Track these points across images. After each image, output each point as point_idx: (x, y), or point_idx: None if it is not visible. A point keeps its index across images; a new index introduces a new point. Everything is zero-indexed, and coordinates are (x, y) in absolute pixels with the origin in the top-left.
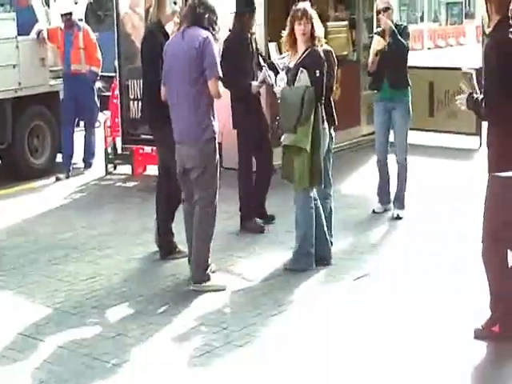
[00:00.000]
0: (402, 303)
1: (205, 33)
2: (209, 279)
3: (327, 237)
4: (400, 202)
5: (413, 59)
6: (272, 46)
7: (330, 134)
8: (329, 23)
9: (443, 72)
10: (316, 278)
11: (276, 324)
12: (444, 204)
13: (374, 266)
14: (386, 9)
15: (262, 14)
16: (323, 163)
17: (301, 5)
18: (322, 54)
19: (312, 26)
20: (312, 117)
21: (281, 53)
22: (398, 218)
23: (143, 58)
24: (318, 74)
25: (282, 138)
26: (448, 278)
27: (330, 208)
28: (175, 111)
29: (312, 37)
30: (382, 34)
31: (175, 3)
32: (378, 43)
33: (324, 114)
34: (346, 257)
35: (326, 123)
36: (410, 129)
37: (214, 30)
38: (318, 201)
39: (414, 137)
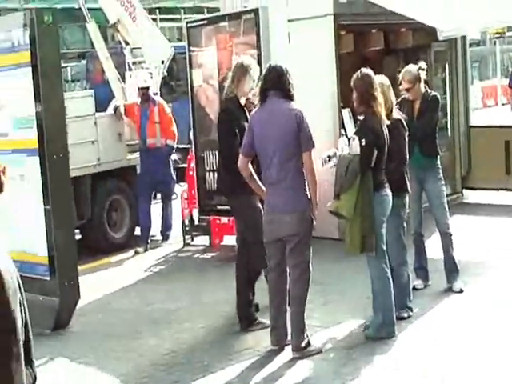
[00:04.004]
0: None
1: (295, 105)
2: (309, 344)
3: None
4: (453, 274)
5: (486, 116)
6: (345, 112)
7: (404, 201)
8: (401, 86)
9: None
10: (398, 345)
11: None
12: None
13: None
14: (408, 89)
15: (334, 81)
16: (377, 230)
17: (361, 71)
18: (373, 123)
19: (361, 94)
20: (357, 185)
21: (354, 119)
22: (461, 291)
23: (220, 132)
24: (363, 143)
25: (329, 204)
26: None
27: (408, 275)
28: (271, 186)
29: (364, 104)
30: (408, 102)
31: (254, 81)
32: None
33: (384, 180)
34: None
35: (387, 190)
36: (487, 189)
37: (293, 98)
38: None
39: (491, 197)
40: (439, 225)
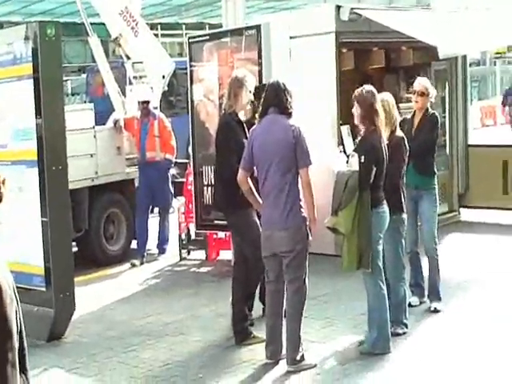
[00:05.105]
0: None
1: (293, 122)
2: (303, 358)
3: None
4: (435, 294)
5: (485, 136)
6: (344, 128)
7: (402, 218)
8: (401, 104)
9: None
10: (392, 361)
11: None
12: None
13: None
14: (422, 93)
15: (334, 97)
16: (373, 246)
17: (364, 87)
18: (372, 140)
19: (364, 109)
20: (355, 201)
21: (353, 136)
22: (436, 311)
23: (218, 147)
24: (362, 160)
25: (326, 220)
26: None
27: (404, 291)
28: (267, 198)
29: (366, 120)
30: (412, 115)
31: (250, 92)
32: None
33: (381, 197)
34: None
35: (385, 206)
36: (484, 207)
37: (291, 115)
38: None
39: (487, 215)
40: (427, 249)
